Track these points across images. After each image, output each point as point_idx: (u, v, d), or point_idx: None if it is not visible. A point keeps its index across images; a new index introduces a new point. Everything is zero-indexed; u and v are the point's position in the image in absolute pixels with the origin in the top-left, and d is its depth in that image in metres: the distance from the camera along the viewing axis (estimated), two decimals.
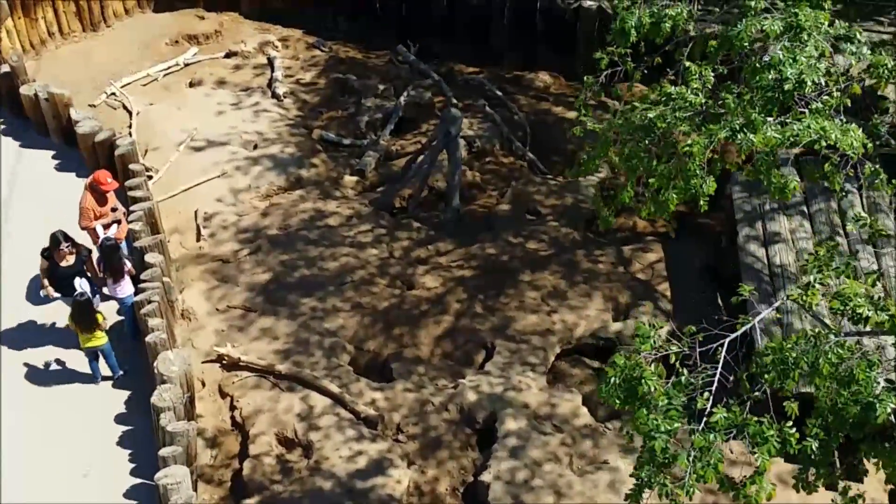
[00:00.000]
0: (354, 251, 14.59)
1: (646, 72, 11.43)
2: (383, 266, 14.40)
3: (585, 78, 11.43)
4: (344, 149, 17.22)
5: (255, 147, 16.87)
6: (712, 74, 9.17)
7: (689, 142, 9.04)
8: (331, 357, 12.89)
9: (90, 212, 12.84)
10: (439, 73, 19.15)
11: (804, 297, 7.80)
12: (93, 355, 11.96)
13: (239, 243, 14.80)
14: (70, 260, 12.17)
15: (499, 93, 18.40)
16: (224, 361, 12.85)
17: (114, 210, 13.05)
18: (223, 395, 12.61)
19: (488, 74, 19.35)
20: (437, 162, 15.58)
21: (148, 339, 11.50)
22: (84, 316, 11.67)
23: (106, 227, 12.94)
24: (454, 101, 18.20)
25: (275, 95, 18.20)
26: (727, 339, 7.81)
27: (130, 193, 13.77)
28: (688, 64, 9.24)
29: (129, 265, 12.49)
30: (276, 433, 11.95)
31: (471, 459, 11.84)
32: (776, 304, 9.57)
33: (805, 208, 13.62)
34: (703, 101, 9.29)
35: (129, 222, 13.21)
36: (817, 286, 7.86)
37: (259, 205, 15.69)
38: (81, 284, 12.07)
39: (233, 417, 12.31)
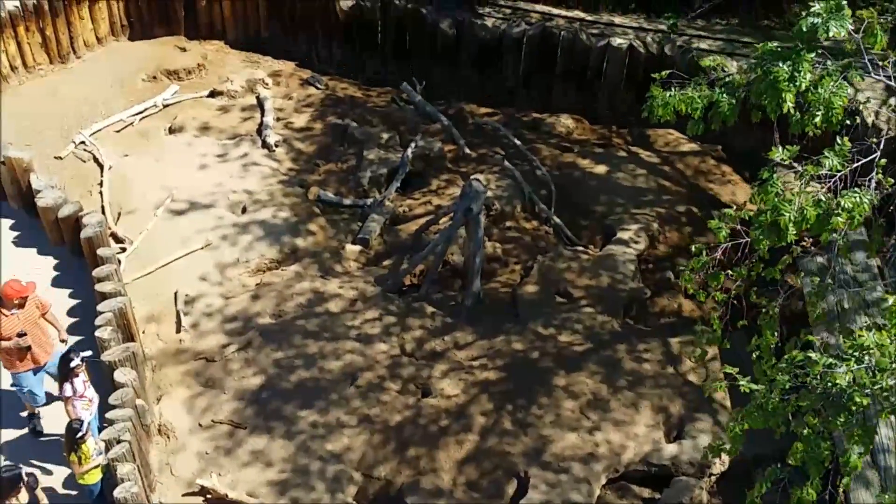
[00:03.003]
0: (360, 346, 12.59)
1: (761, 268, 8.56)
2: (394, 366, 12.39)
3: (694, 247, 8.92)
4: (344, 210, 15.18)
5: (244, 210, 14.82)
6: None
7: None
8: (335, 491, 10.91)
9: None
10: (448, 115, 17.13)
11: None
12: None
13: (226, 335, 12.77)
14: None
15: (517, 141, 16.37)
16: (209, 497, 10.86)
17: (20, 335, 10.46)
18: None
19: (503, 117, 17.35)
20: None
21: (117, 492, 9.48)
22: (67, 441, 9.84)
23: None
24: (467, 150, 16.21)
25: (265, 145, 16.14)
26: None
27: (98, 287, 11.71)
28: (889, 299, 6.95)
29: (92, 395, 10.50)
30: None
31: None
32: None
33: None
34: None
35: (96, 326, 11.16)
36: None
37: (249, 282, 13.66)
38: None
39: None
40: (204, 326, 12.90)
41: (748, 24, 18.65)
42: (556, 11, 19.02)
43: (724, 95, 7.76)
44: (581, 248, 14.34)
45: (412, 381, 12.23)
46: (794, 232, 6.91)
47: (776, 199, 7.01)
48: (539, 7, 19.10)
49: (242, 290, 13.48)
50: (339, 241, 14.53)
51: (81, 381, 10.34)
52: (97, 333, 11.00)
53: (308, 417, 11.68)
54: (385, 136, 16.31)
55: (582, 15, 18.92)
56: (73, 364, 10.20)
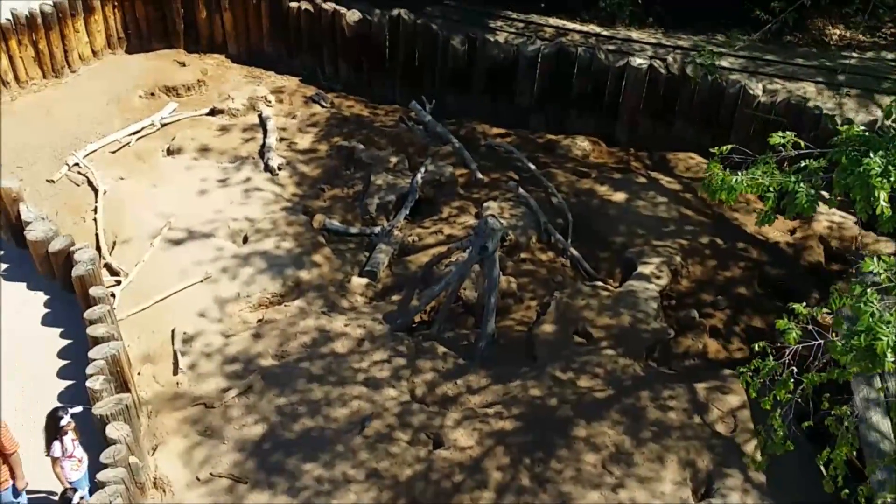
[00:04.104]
0: (368, 392, 11.87)
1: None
2: (404, 413, 11.67)
3: (757, 346, 7.85)
4: (350, 238, 14.45)
5: (246, 240, 14.10)
6: None
7: None
8: None
9: None
10: (459, 136, 16.40)
11: None
12: None
13: (226, 378, 12.04)
14: None
15: (531, 166, 15.64)
16: None
17: None
18: None
19: (516, 139, 16.60)
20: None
21: None
22: None
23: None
24: (479, 175, 15.48)
25: (268, 168, 15.41)
26: None
27: (90, 331, 10.99)
28: None
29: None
30: None
31: None
32: None
33: None
34: None
35: (87, 376, 10.43)
36: None
37: (250, 318, 12.95)
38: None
39: None
40: (202, 368, 12.18)
41: (771, 41, 17.94)
42: (570, 26, 18.39)
43: (801, 184, 6.84)
44: (600, 283, 13.61)
45: (423, 430, 11.51)
46: (893, 360, 5.97)
47: (872, 321, 6.10)
48: (553, 21, 18.45)
49: (243, 328, 12.77)
50: (346, 274, 13.82)
51: (70, 440, 9.64)
52: (88, 384, 10.27)
53: (313, 471, 10.96)
54: (393, 159, 15.58)
55: (598, 30, 18.26)
56: (62, 422, 9.50)
